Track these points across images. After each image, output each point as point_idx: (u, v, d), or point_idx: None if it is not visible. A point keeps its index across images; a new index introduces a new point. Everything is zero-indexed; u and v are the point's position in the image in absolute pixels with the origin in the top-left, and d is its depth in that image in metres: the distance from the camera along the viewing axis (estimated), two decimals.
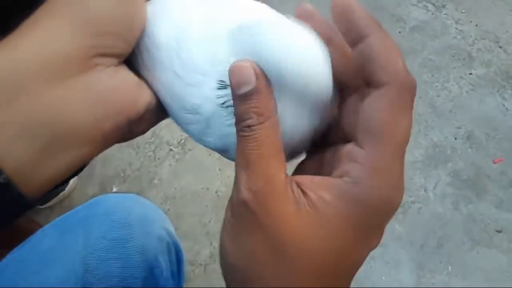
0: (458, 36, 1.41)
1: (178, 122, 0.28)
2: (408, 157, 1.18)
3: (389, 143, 0.22)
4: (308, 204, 0.22)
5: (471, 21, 1.44)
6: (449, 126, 1.23)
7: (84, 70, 0.24)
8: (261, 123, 0.23)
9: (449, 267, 1.03)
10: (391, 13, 1.46)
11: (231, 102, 0.24)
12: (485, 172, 1.15)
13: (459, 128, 1.23)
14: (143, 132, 0.29)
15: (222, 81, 0.25)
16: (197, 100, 0.26)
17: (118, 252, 0.47)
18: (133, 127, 0.27)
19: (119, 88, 0.25)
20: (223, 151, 0.27)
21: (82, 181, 1.19)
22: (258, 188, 0.22)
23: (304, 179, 0.23)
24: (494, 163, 1.17)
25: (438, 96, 1.29)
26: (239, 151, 0.23)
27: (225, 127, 0.26)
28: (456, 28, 1.43)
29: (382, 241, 0.23)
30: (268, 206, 0.22)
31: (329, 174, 0.24)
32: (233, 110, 0.24)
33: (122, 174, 1.19)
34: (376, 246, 0.23)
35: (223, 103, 0.25)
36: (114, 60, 0.26)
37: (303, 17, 0.26)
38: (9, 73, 0.22)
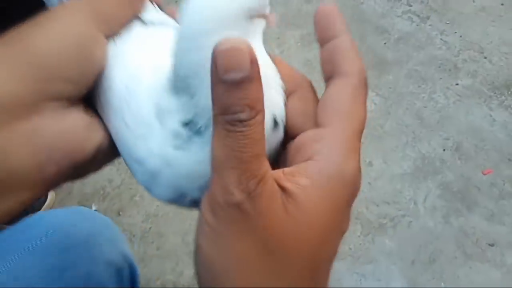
0: (443, 47, 1.40)
1: (128, 167, 0.28)
2: (396, 170, 1.16)
3: (353, 124, 0.23)
4: (288, 197, 0.22)
5: (456, 32, 1.44)
6: (437, 137, 1.21)
7: (30, 115, 0.24)
8: (253, 117, 0.21)
9: (442, 283, 1.00)
10: (376, 24, 1.46)
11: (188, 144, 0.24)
12: (475, 184, 1.13)
13: (447, 139, 1.21)
14: (96, 171, 0.29)
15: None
16: (143, 153, 0.25)
17: (55, 282, 0.41)
18: (81, 169, 0.27)
19: (65, 133, 0.25)
20: (173, 201, 0.26)
21: (60, 198, 1.13)
22: (251, 190, 0.21)
23: (275, 173, 0.22)
24: (484, 174, 1.15)
25: (425, 107, 1.27)
26: (226, 149, 0.21)
27: (176, 178, 0.25)
28: (441, 39, 1.42)
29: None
30: (262, 208, 0.21)
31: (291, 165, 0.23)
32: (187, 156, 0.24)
33: (101, 192, 1.14)
34: (346, 229, 0.24)
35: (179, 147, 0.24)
36: (65, 103, 0.26)
37: (323, 15, 0.26)
38: None
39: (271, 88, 0.25)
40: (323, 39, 0.25)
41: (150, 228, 1.07)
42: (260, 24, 0.25)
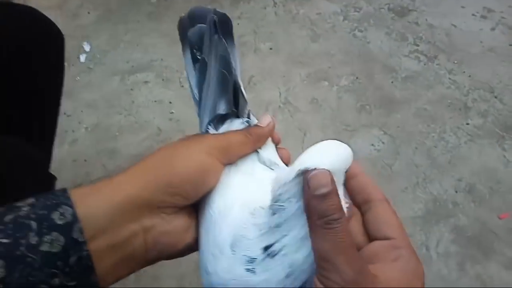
0: (452, 86, 1.38)
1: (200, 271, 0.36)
2: (407, 212, 1.10)
3: (405, 234, 0.33)
4: (384, 281, 0.29)
5: (464, 72, 1.42)
6: (449, 178, 1.16)
7: (152, 215, 0.34)
8: (341, 217, 0.29)
9: None
10: (383, 63, 1.45)
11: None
12: (491, 229, 1.07)
13: (460, 180, 1.16)
14: (182, 256, 0.38)
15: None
16: (211, 269, 0.34)
17: None
18: (171, 257, 0.37)
19: (169, 232, 0.35)
20: None
21: None
22: (359, 268, 0.28)
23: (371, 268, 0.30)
24: (500, 218, 1.08)
25: (435, 147, 1.23)
26: (328, 242, 0.28)
27: None
28: (449, 78, 1.40)
29: None
30: (368, 282, 0.28)
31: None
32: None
33: None
34: None
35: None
36: (177, 209, 0.36)
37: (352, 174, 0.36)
38: (96, 211, 0.32)
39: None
40: (360, 202, 0.36)
41: (144, 271, 1.02)
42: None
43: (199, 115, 0.44)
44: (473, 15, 1.59)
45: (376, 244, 0.32)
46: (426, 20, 1.58)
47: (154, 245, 0.34)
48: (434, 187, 1.15)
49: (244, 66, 1.45)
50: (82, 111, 1.38)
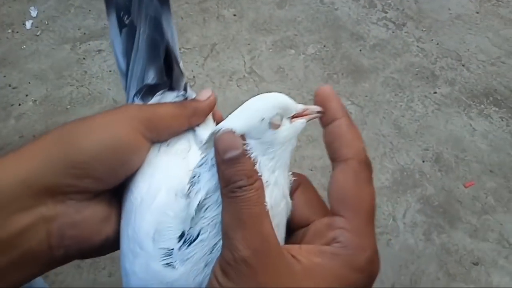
0: (420, 54, 1.35)
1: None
2: (374, 183, 1.08)
3: (362, 210, 0.26)
4: (302, 267, 0.24)
5: (432, 40, 1.39)
6: (415, 148, 1.15)
7: (55, 203, 0.28)
8: (251, 184, 0.25)
9: None
10: (351, 31, 1.39)
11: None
12: (457, 197, 1.06)
13: (427, 150, 1.14)
14: (101, 255, 0.32)
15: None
16: (129, 268, 0.29)
17: None
18: (87, 254, 0.31)
19: (80, 224, 0.29)
20: None
21: None
22: (256, 246, 0.24)
23: (292, 247, 0.26)
24: (465, 187, 1.08)
25: (402, 116, 1.21)
26: (230, 213, 0.25)
27: None
28: (417, 46, 1.37)
29: None
30: (267, 264, 0.24)
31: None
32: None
33: None
34: None
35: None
36: (90, 195, 0.30)
37: (322, 97, 0.30)
38: None
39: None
40: (325, 121, 0.29)
41: None
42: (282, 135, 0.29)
43: (126, 89, 0.38)
44: None
45: (317, 222, 0.28)
46: None
47: (60, 239, 0.28)
48: (401, 157, 1.13)
49: (206, 34, 1.36)
50: (29, 82, 1.27)
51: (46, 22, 1.41)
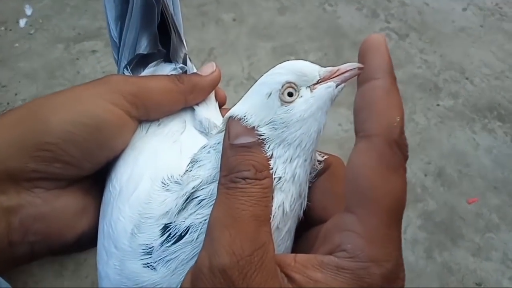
0: (423, 66, 1.32)
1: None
2: None
3: (381, 207, 0.19)
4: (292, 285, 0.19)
5: (435, 51, 1.36)
6: (418, 161, 1.11)
7: (20, 191, 0.23)
8: (258, 179, 0.20)
9: None
10: (353, 40, 1.36)
11: None
12: (459, 214, 1.02)
13: (429, 163, 1.10)
14: (79, 252, 0.28)
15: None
16: (102, 271, 0.24)
17: None
18: (59, 252, 0.26)
19: (50, 216, 0.24)
20: None
21: None
22: (242, 255, 0.18)
23: (285, 258, 0.20)
24: (468, 203, 1.04)
25: (405, 128, 1.17)
26: (222, 208, 0.20)
27: None
28: (420, 57, 1.34)
29: None
30: (252, 281, 0.18)
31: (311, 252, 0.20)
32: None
33: None
34: None
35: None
36: (63, 183, 0.25)
37: (365, 49, 0.22)
38: None
39: None
40: (361, 78, 0.22)
41: None
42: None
43: (118, 61, 0.33)
44: None
45: (330, 222, 0.22)
46: None
47: (23, 234, 0.24)
48: None
49: (204, 37, 1.33)
50: (19, 81, 1.22)
51: (41, 21, 1.37)
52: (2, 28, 1.36)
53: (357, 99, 0.21)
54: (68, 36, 1.32)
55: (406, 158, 0.20)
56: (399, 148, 0.20)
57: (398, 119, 0.20)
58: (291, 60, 0.24)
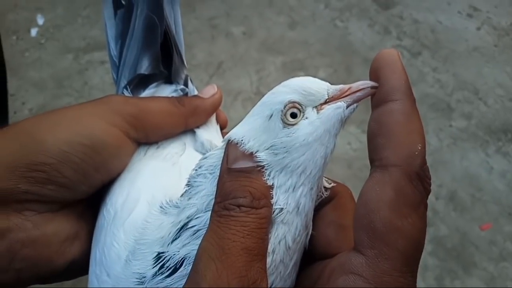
0: (436, 85, 1.29)
1: None
2: None
3: (398, 250, 0.17)
4: None
5: (448, 71, 1.33)
6: None
7: (9, 213, 0.22)
8: (255, 207, 0.19)
9: None
10: (364, 57, 1.34)
11: None
12: (472, 240, 0.98)
13: (441, 186, 1.07)
14: (68, 279, 0.26)
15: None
16: None
17: None
18: (48, 279, 0.24)
19: (39, 241, 0.23)
20: None
21: None
22: None
23: None
24: (482, 229, 1.00)
25: None
26: (212, 236, 0.18)
27: None
28: (433, 76, 1.32)
29: None
30: None
31: None
32: None
33: None
34: None
35: None
36: (55, 206, 0.24)
37: (379, 66, 0.20)
38: None
39: None
40: (376, 99, 0.20)
41: None
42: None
43: (117, 81, 0.32)
44: (459, 12, 1.52)
45: (340, 257, 0.20)
46: (411, 14, 1.49)
47: (9, 260, 0.22)
48: None
49: (214, 51, 1.32)
50: (27, 90, 1.22)
51: (51, 31, 1.37)
52: (14, 37, 1.36)
53: (372, 124, 0.19)
54: (78, 46, 1.32)
55: (428, 193, 0.18)
56: (420, 182, 0.18)
57: (420, 148, 0.18)
58: (300, 76, 0.22)
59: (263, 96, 0.23)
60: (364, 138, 1.13)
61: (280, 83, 0.23)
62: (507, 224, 1.01)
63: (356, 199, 0.21)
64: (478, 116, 1.22)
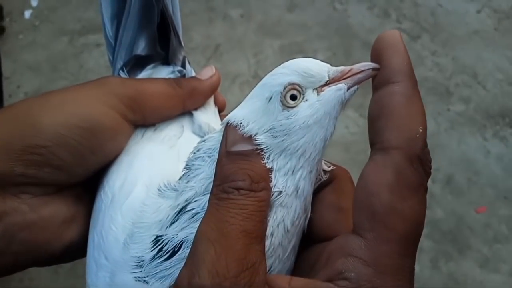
0: (435, 69, 1.29)
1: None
2: None
3: (398, 232, 0.17)
4: None
5: (448, 54, 1.32)
6: None
7: (5, 196, 0.22)
8: (253, 190, 0.19)
9: None
10: (363, 40, 1.33)
11: None
12: (467, 223, 0.99)
13: (437, 170, 1.07)
14: (67, 262, 0.26)
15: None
16: (91, 280, 0.23)
17: None
18: (46, 262, 0.25)
19: (36, 225, 0.23)
20: None
21: None
22: (229, 275, 0.16)
23: (278, 281, 0.18)
24: (477, 212, 1.01)
25: None
26: (210, 220, 0.18)
27: None
28: (432, 60, 1.31)
29: None
30: None
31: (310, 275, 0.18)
32: None
33: None
34: None
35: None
36: (52, 189, 0.24)
37: (380, 47, 0.19)
38: None
39: None
40: (377, 81, 0.20)
41: None
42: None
43: (112, 62, 0.32)
44: None
45: (338, 240, 0.20)
46: None
47: (6, 244, 0.22)
48: None
49: (211, 33, 1.30)
50: (22, 73, 1.21)
51: (46, 13, 1.35)
52: (7, 19, 1.34)
53: (372, 105, 0.19)
54: (73, 28, 1.31)
55: (428, 175, 0.18)
56: (421, 164, 0.18)
57: (421, 130, 0.18)
58: (298, 58, 0.22)
59: (261, 79, 0.22)
60: (362, 122, 1.13)
61: (278, 66, 0.22)
62: (503, 208, 1.02)
63: (355, 183, 0.21)
64: (477, 100, 1.22)
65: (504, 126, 1.17)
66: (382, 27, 1.38)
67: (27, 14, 1.35)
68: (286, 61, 0.22)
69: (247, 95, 0.22)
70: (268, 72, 0.22)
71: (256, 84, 0.22)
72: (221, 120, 0.31)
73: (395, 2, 1.45)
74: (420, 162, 0.18)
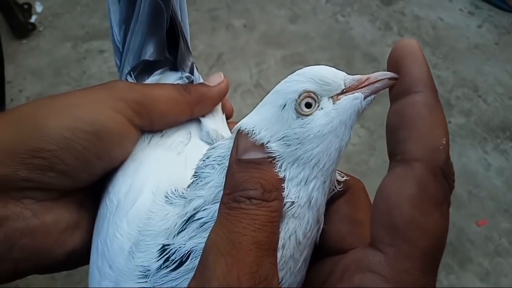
0: (436, 82, 1.28)
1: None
2: None
3: (420, 248, 0.16)
4: None
5: (449, 68, 1.33)
6: None
7: (7, 201, 0.21)
8: (266, 200, 0.18)
9: None
10: (365, 52, 1.34)
11: None
12: (468, 236, 0.98)
13: None
14: (70, 269, 0.25)
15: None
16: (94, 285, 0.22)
17: None
18: (47, 270, 0.24)
19: (38, 231, 0.22)
20: None
21: None
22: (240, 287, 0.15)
23: None
24: (478, 225, 1.00)
25: None
26: (221, 229, 0.17)
27: None
28: (433, 73, 1.31)
29: None
30: None
31: None
32: None
33: None
34: None
35: None
36: (55, 194, 0.23)
37: (398, 56, 0.19)
38: None
39: None
40: (396, 91, 0.19)
41: None
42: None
43: (120, 67, 0.32)
44: (460, 10, 1.51)
45: (354, 253, 0.19)
46: (413, 10, 1.48)
47: (7, 250, 0.21)
48: None
49: (214, 42, 1.31)
50: (24, 78, 1.21)
51: (50, 19, 1.36)
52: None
53: (392, 116, 0.19)
54: (77, 34, 1.31)
55: (452, 189, 0.18)
56: (444, 177, 0.17)
57: (444, 142, 0.18)
58: (300, 68, 0.22)
59: (262, 88, 0.22)
60: (362, 133, 1.13)
61: (280, 76, 0.22)
62: (503, 221, 1.01)
63: None
64: (477, 113, 1.22)
65: (505, 139, 1.17)
66: (383, 39, 1.39)
67: (32, 19, 1.36)
68: (287, 72, 0.22)
69: (249, 104, 0.23)
70: (270, 82, 0.23)
71: (258, 93, 0.23)
72: (229, 128, 0.31)
73: (396, 15, 1.47)
74: (444, 175, 0.17)
